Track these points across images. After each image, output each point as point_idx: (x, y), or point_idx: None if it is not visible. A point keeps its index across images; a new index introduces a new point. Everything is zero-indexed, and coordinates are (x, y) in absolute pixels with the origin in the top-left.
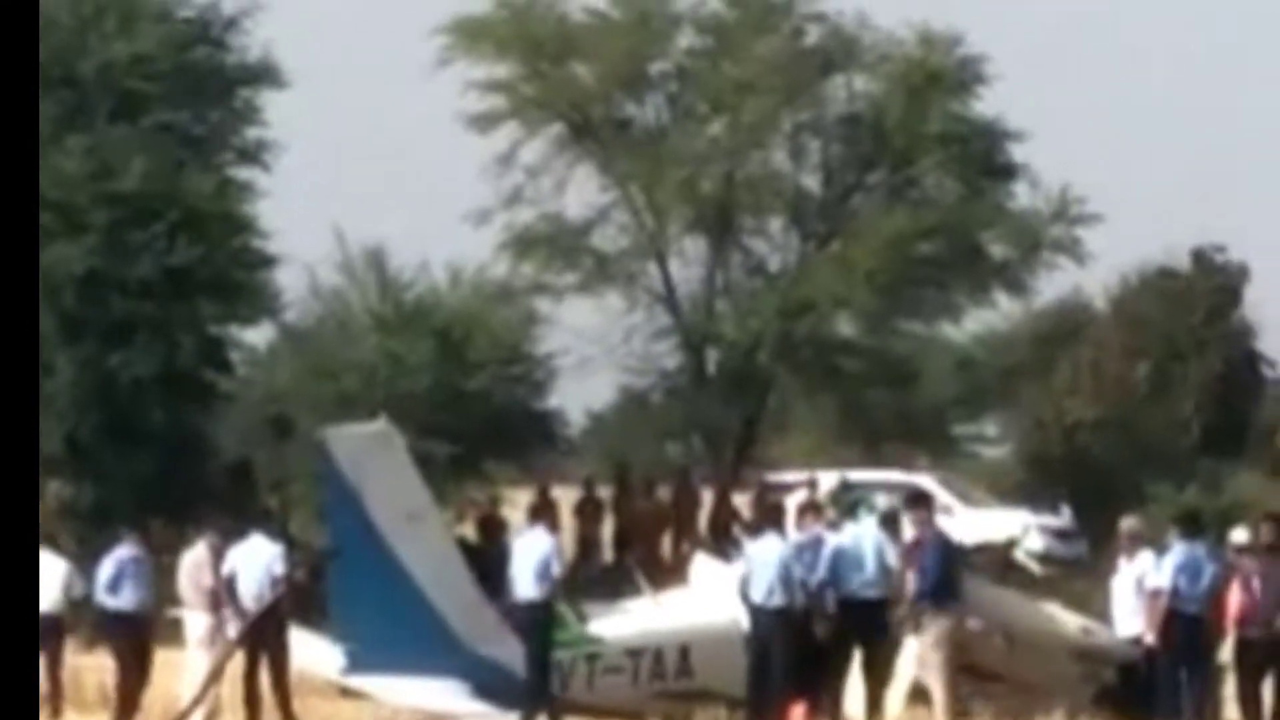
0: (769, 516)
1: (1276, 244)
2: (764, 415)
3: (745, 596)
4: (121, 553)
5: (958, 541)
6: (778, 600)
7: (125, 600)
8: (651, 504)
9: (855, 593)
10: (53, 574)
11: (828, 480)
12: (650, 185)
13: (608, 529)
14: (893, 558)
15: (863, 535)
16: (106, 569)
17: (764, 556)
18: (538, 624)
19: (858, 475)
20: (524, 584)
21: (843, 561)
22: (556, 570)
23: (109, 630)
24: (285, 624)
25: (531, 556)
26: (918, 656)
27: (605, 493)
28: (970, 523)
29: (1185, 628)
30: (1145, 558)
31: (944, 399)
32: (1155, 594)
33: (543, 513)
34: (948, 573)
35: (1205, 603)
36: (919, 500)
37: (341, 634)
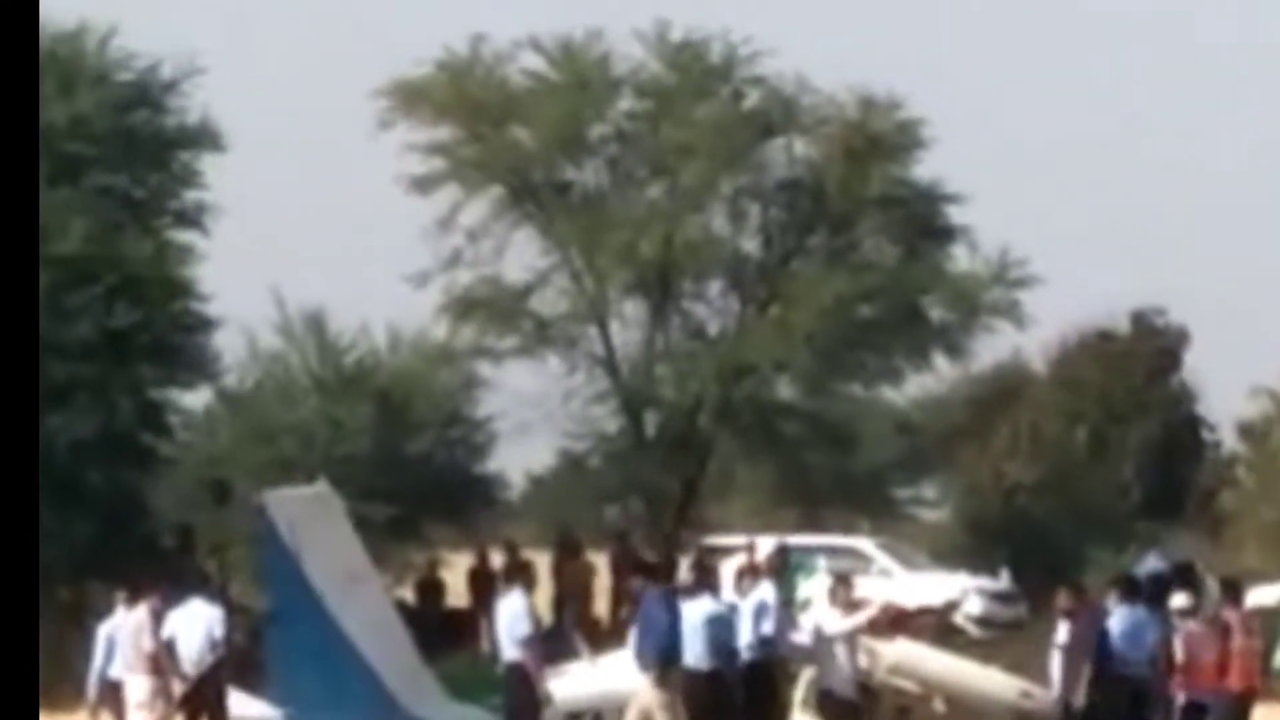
0: (700, 579)
1: (1216, 307)
2: (704, 478)
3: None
4: None
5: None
6: (708, 664)
7: None
8: (583, 565)
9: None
10: None
11: (766, 544)
12: (590, 248)
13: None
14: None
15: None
16: None
17: (695, 619)
18: (528, 686)
19: (797, 539)
20: (505, 646)
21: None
22: (520, 631)
23: None
24: (224, 688)
25: (505, 619)
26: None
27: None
28: (910, 586)
29: (1128, 691)
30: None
31: (883, 462)
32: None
33: (517, 573)
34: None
35: (1148, 666)
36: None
37: (280, 697)
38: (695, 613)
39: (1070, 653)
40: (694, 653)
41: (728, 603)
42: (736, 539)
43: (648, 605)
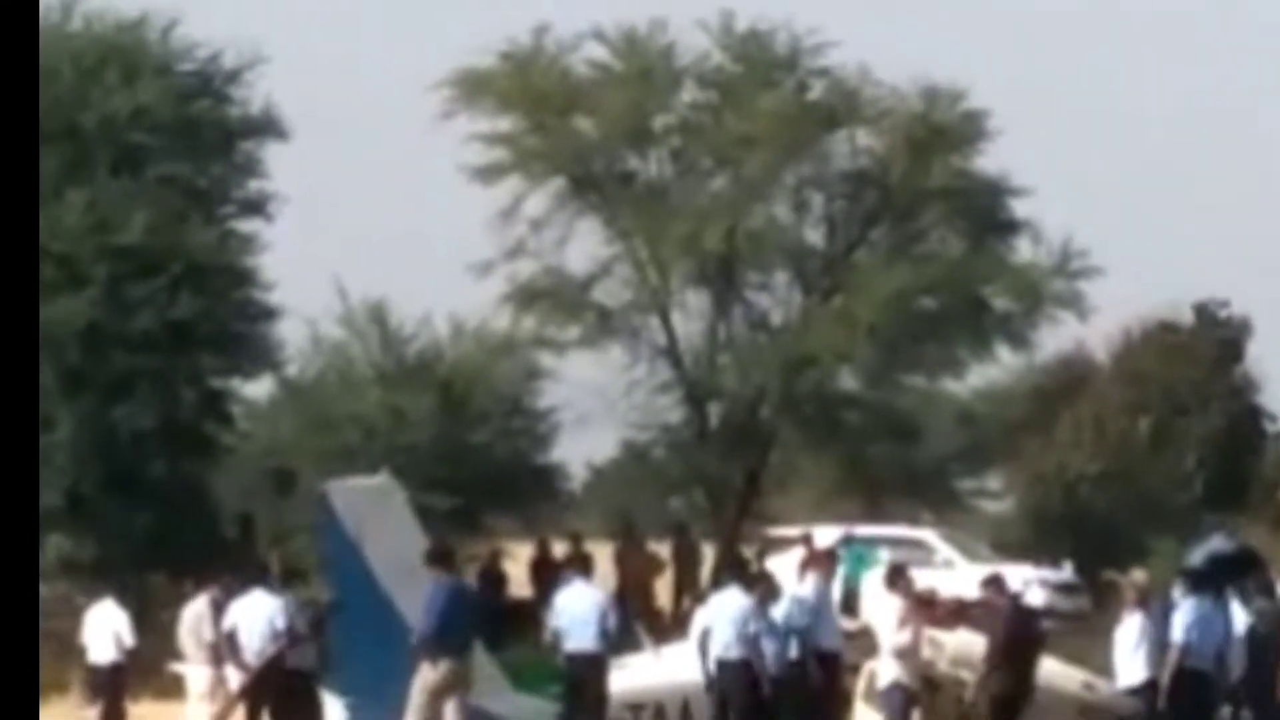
0: (732, 570)
1: (1278, 298)
2: (766, 469)
3: (704, 649)
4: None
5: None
6: (736, 653)
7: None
8: (646, 556)
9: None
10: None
11: (828, 535)
12: (653, 239)
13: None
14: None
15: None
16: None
17: (725, 610)
18: (596, 676)
19: (860, 530)
20: (580, 636)
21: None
22: (612, 623)
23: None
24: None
25: (583, 609)
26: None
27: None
28: (972, 577)
29: (1195, 684)
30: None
31: (946, 453)
32: (1168, 649)
33: (582, 564)
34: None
35: (1214, 659)
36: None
37: (343, 687)
38: (724, 604)
39: (1153, 644)
40: (721, 642)
41: (791, 595)
42: (798, 530)
43: (431, 590)
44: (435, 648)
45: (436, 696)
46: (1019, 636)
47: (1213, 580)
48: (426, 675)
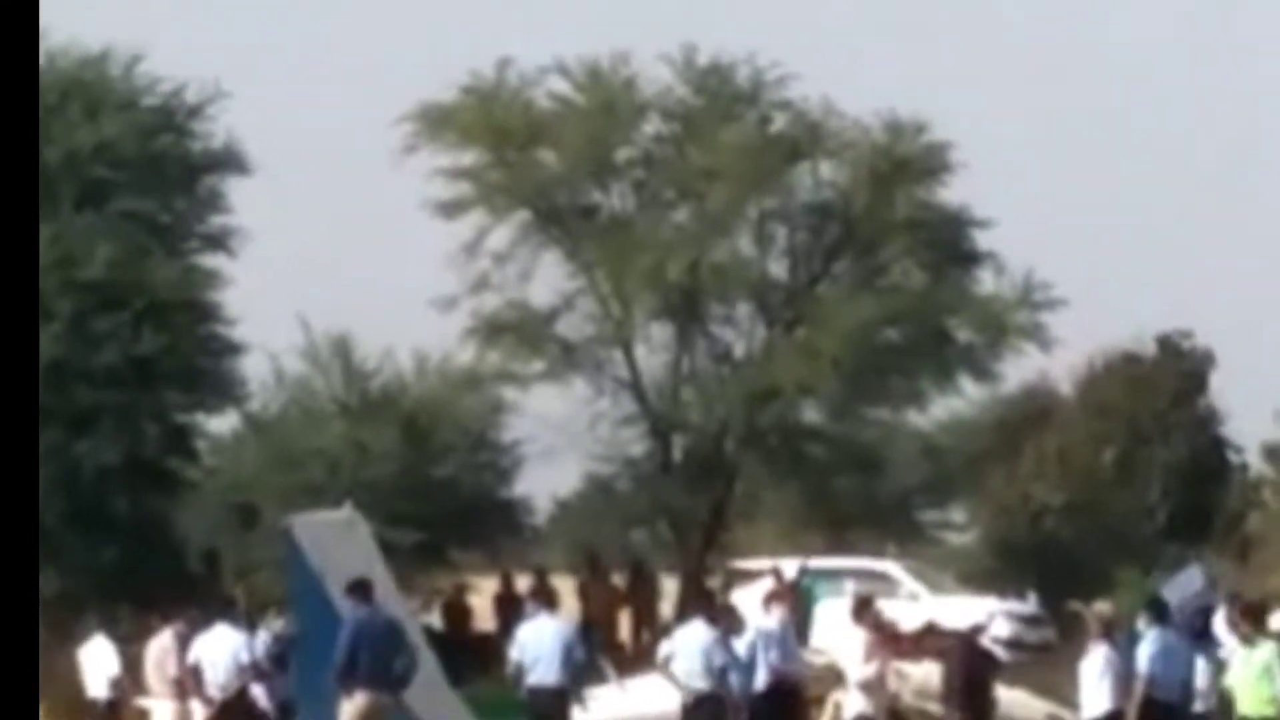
0: (697, 603)
1: (1242, 329)
2: (731, 501)
3: (669, 673)
4: None
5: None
6: (702, 685)
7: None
8: (611, 590)
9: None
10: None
11: (793, 568)
12: (616, 272)
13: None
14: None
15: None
16: None
17: (689, 642)
18: (559, 709)
19: (824, 562)
20: (543, 670)
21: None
22: (579, 655)
23: None
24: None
25: (548, 642)
26: None
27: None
28: (937, 609)
29: (1162, 715)
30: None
31: (910, 485)
32: (1133, 681)
33: (547, 598)
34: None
35: (1180, 690)
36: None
37: (305, 719)
38: (689, 637)
39: (1118, 675)
40: (687, 674)
41: (755, 627)
42: (763, 563)
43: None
44: (348, 680)
45: None
46: (973, 673)
47: (1193, 622)
48: (346, 709)
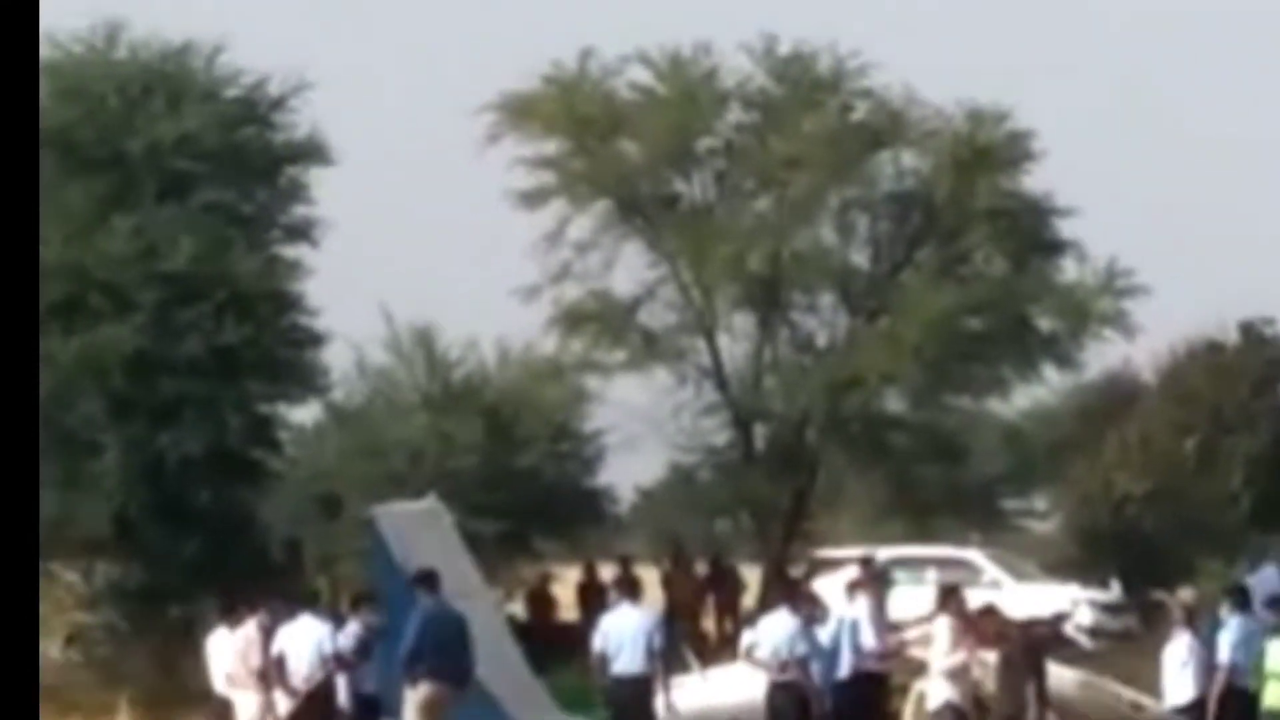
0: (783, 593)
1: None
2: (813, 491)
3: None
4: None
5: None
6: (785, 674)
7: None
8: (694, 579)
9: None
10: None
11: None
12: (698, 262)
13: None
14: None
15: None
16: None
17: (773, 631)
18: (642, 698)
19: (907, 550)
20: (626, 659)
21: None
22: (658, 644)
23: None
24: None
25: (631, 631)
26: None
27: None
28: (1020, 597)
29: (1242, 703)
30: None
31: (993, 474)
32: (1215, 669)
33: (630, 587)
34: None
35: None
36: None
37: (392, 710)
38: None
39: (1201, 663)
40: (770, 664)
41: (838, 616)
42: (848, 551)
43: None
44: (414, 670)
45: (424, 718)
46: (1029, 661)
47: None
48: (410, 698)
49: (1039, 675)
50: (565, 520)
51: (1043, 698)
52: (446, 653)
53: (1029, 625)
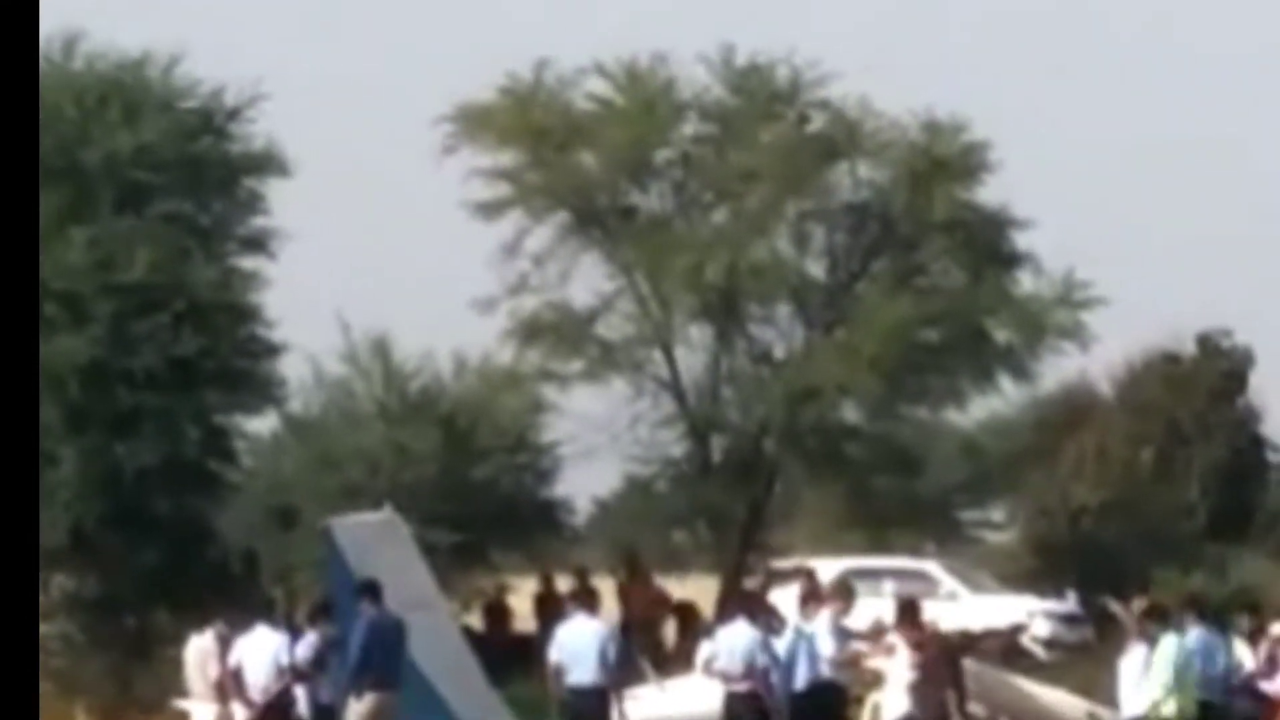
0: (742, 604)
1: None
2: (770, 502)
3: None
4: None
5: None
6: (744, 685)
7: None
8: (651, 590)
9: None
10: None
11: (830, 568)
12: (655, 273)
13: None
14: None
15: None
16: None
17: (732, 642)
18: (599, 710)
19: (864, 561)
20: (582, 670)
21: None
22: (612, 655)
23: None
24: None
25: (586, 643)
26: None
27: (597, 581)
28: (976, 608)
29: (1203, 712)
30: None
31: (949, 485)
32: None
33: (587, 599)
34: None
35: (1221, 686)
36: None
37: None
38: (731, 637)
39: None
40: (729, 675)
41: (795, 627)
42: (794, 563)
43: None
44: (359, 682)
45: None
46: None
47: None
48: (355, 708)
49: (958, 685)
50: (522, 531)
51: (963, 709)
52: (392, 661)
53: (945, 635)
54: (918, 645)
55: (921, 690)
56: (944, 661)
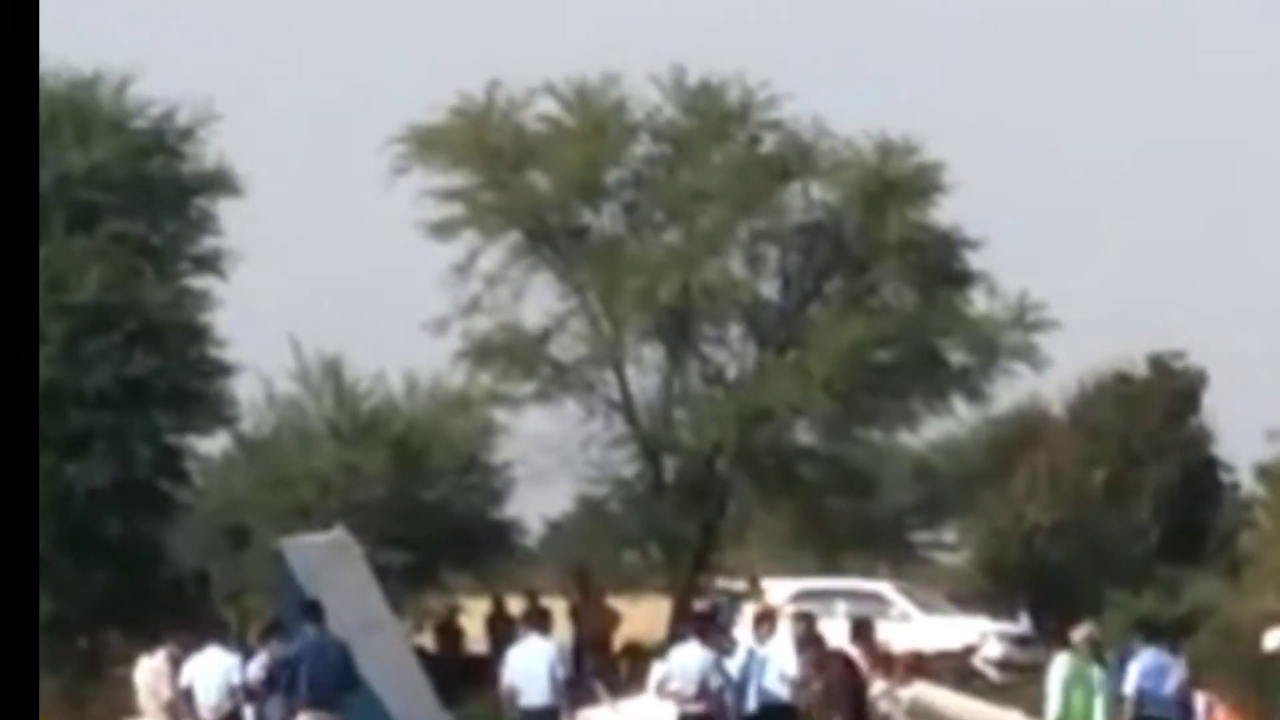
0: (695, 624)
1: (1233, 349)
2: (722, 523)
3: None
4: None
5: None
6: (695, 708)
7: None
8: (604, 610)
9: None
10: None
11: (782, 588)
12: (607, 293)
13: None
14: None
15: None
16: None
17: (685, 662)
18: None
19: (816, 582)
20: (534, 691)
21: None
22: (561, 675)
23: None
24: None
25: (538, 664)
26: None
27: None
28: (929, 630)
29: None
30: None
31: (902, 506)
32: (1120, 700)
33: (538, 620)
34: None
35: (1172, 707)
36: None
37: None
38: (684, 657)
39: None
40: (682, 696)
41: (747, 648)
42: (739, 584)
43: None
44: (291, 702)
45: None
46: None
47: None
48: None
49: (858, 711)
50: (473, 552)
51: None
52: (321, 681)
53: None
54: (818, 667)
55: (873, 710)
56: (845, 683)
